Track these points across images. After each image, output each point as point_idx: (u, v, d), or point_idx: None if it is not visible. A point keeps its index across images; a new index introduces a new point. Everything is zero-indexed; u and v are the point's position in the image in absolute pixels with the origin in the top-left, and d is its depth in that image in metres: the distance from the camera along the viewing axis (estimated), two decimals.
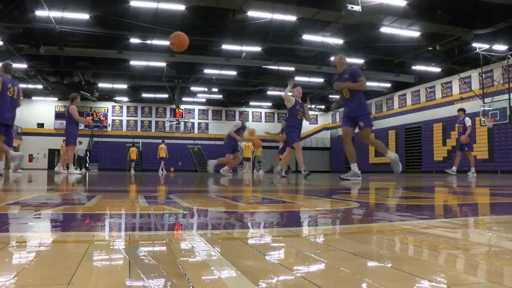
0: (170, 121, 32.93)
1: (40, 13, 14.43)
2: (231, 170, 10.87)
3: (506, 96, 18.44)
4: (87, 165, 25.03)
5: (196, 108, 34.13)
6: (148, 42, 17.76)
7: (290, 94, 7.82)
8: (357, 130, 6.01)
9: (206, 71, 22.80)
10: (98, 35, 16.61)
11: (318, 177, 10.36)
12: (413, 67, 21.80)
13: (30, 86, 25.98)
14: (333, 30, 17.49)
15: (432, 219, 1.50)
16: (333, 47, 18.26)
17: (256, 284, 0.60)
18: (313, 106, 32.73)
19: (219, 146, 32.63)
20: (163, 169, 19.51)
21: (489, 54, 18.28)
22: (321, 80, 25.19)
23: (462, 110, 11.13)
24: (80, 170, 13.99)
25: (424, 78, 23.44)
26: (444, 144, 22.13)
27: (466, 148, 10.88)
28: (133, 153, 21.37)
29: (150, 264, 0.72)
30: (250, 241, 0.98)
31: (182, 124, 32.78)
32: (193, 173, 18.68)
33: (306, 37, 17.16)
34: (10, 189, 3.60)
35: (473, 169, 10.91)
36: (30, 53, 18.46)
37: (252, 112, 34.96)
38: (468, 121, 10.65)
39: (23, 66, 20.33)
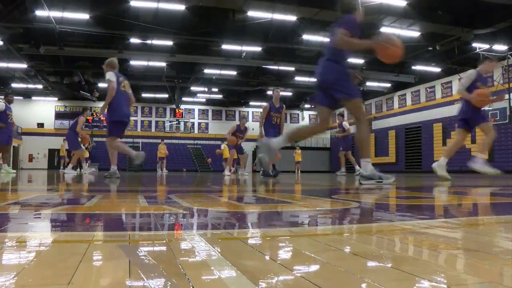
0: (170, 121, 32.92)
1: (40, 13, 14.42)
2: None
3: (506, 96, 18.44)
4: (87, 165, 24.99)
5: (196, 108, 34.11)
6: (148, 42, 17.76)
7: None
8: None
9: (206, 71, 22.78)
10: (98, 35, 16.61)
11: (318, 177, 10.37)
12: (413, 67, 21.77)
13: (30, 86, 25.94)
14: None
15: (432, 219, 1.50)
16: None
17: (256, 284, 0.60)
18: (313, 106, 32.73)
19: (219, 146, 32.65)
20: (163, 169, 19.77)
21: (489, 54, 18.27)
22: None
23: (341, 115, 12.42)
24: (80, 170, 14.02)
25: (424, 78, 23.41)
26: (444, 144, 22.09)
27: (341, 148, 11.84)
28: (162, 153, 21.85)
29: (150, 264, 0.72)
30: (250, 241, 0.98)
31: (182, 124, 32.77)
32: (193, 173, 18.68)
33: (306, 37, 17.14)
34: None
35: (343, 169, 11.62)
36: (30, 53, 18.45)
37: (252, 112, 34.88)
38: (346, 125, 11.68)
39: (23, 66, 20.33)
